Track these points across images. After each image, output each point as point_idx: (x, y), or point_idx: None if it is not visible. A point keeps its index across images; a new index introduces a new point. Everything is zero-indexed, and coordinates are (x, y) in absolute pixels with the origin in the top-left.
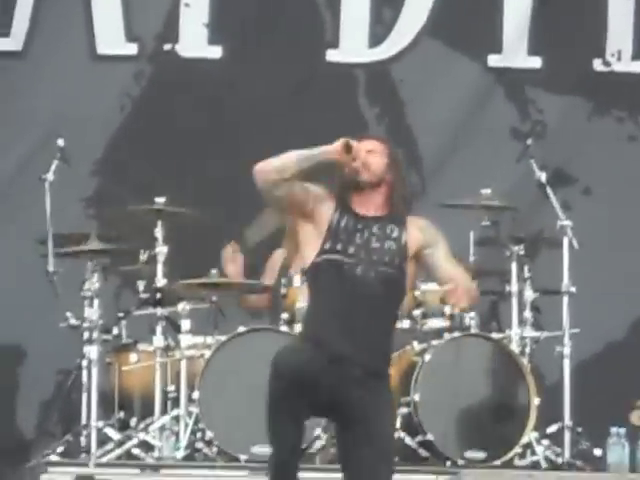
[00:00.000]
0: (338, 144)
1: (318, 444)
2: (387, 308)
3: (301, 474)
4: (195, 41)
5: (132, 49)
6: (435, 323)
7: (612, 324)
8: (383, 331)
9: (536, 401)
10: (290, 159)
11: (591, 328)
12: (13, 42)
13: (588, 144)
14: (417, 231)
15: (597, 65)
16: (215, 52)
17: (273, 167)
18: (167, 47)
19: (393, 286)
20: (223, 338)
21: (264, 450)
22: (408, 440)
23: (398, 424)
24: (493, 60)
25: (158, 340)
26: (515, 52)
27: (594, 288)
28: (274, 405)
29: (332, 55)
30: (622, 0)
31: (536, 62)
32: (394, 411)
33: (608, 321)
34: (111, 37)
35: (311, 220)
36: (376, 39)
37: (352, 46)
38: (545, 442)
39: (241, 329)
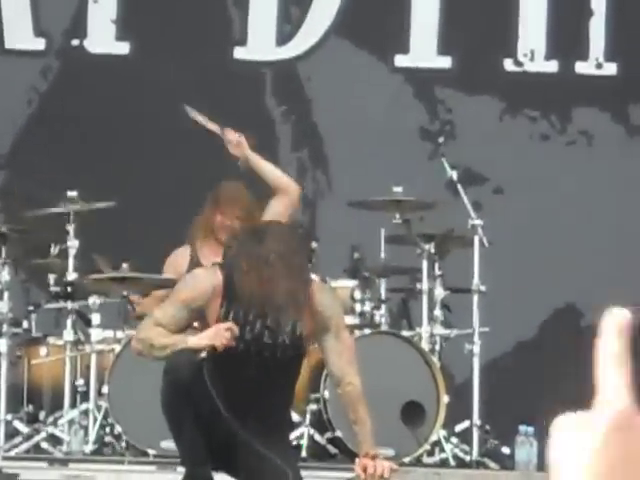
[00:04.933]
0: (200, 346)
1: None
2: (281, 391)
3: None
4: (103, 37)
5: (40, 44)
6: (346, 320)
7: (522, 323)
8: (277, 407)
9: (445, 399)
10: (157, 358)
11: (501, 327)
12: None
13: (500, 143)
14: (309, 317)
15: (508, 65)
16: (123, 48)
17: (144, 356)
18: (75, 42)
19: (287, 373)
20: (133, 333)
21: (172, 445)
22: (317, 437)
23: (307, 421)
24: (400, 60)
25: (68, 334)
26: (423, 52)
27: (504, 287)
28: None
29: (239, 53)
30: None
31: (446, 62)
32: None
33: (518, 320)
34: (19, 32)
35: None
36: (284, 37)
37: (260, 44)
38: (454, 440)
39: None
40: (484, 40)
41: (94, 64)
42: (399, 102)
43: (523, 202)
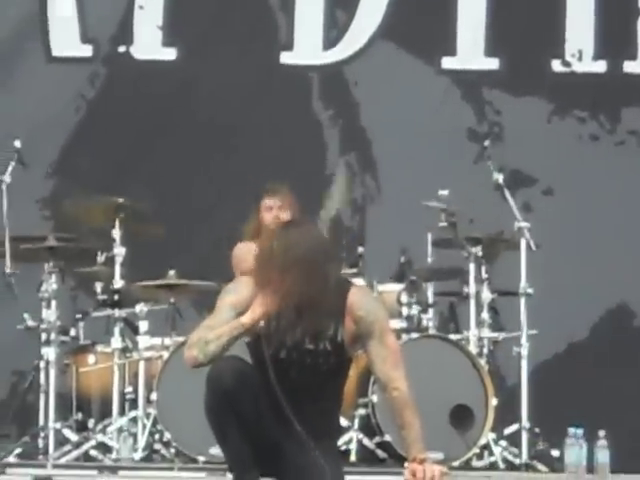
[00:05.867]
0: (256, 317)
1: None
2: (327, 398)
3: None
4: (149, 43)
5: (87, 51)
6: (392, 324)
7: (571, 325)
8: (324, 413)
9: (494, 402)
10: (214, 355)
11: (549, 329)
12: None
13: (548, 145)
14: (352, 323)
15: (556, 66)
16: (169, 54)
17: (199, 363)
18: (121, 49)
19: (332, 379)
20: (181, 339)
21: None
22: (366, 441)
23: (356, 425)
24: (447, 62)
25: (116, 341)
26: (471, 54)
27: (554, 289)
28: None
29: (286, 57)
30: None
31: (493, 63)
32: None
33: (567, 322)
34: (66, 39)
35: None
36: (330, 41)
37: (306, 48)
38: (503, 443)
39: None
40: (531, 41)
41: (141, 70)
42: (446, 104)
43: (573, 203)
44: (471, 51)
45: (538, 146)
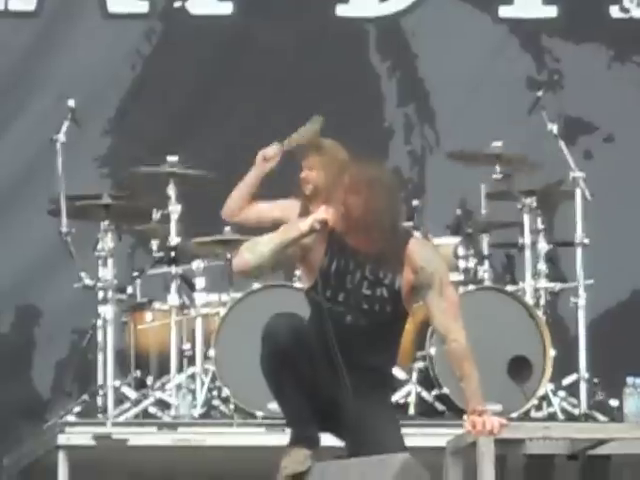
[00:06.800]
0: (308, 223)
1: None
2: (382, 348)
3: None
4: None
5: (143, 7)
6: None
7: (628, 275)
8: (378, 364)
9: (552, 353)
10: (264, 257)
11: (606, 280)
12: (25, 2)
13: (609, 91)
14: (411, 274)
15: (615, 12)
16: (226, 8)
17: (250, 267)
18: (177, 4)
19: (386, 331)
20: (238, 295)
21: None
22: (424, 394)
23: (414, 378)
24: (505, 11)
25: (173, 298)
26: (528, 2)
27: (611, 238)
28: None
29: (342, 10)
30: None
31: (551, 11)
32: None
33: (624, 272)
34: None
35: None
36: None
37: (362, 0)
38: (561, 394)
39: (256, 286)
40: None
41: (197, 26)
42: (505, 53)
43: (634, 150)
44: None
45: (599, 93)
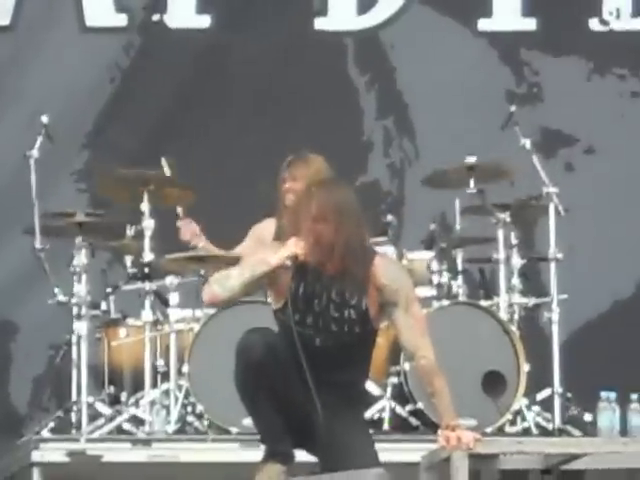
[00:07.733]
0: (278, 257)
1: None
2: (354, 367)
3: None
4: (183, 11)
5: (121, 20)
6: (423, 292)
7: (602, 290)
8: (350, 383)
9: (526, 367)
10: (234, 291)
11: (580, 294)
12: (1, 16)
13: (589, 104)
14: (376, 292)
15: (594, 25)
16: (204, 21)
17: (220, 300)
18: (155, 17)
19: (355, 351)
20: (212, 311)
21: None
22: (399, 409)
23: (388, 394)
24: (484, 24)
25: (147, 314)
26: (507, 15)
27: (586, 253)
28: None
29: (321, 23)
30: None
31: (531, 24)
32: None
33: (598, 287)
34: (100, 8)
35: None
36: (364, 6)
37: (340, 13)
38: (536, 408)
39: None
40: (568, 0)
41: (175, 39)
42: (484, 66)
43: (615, 161)
44: (507, 12)
45: (579, 105)
